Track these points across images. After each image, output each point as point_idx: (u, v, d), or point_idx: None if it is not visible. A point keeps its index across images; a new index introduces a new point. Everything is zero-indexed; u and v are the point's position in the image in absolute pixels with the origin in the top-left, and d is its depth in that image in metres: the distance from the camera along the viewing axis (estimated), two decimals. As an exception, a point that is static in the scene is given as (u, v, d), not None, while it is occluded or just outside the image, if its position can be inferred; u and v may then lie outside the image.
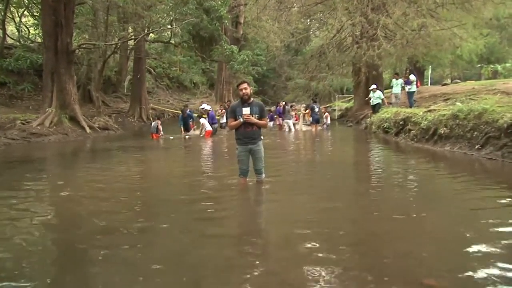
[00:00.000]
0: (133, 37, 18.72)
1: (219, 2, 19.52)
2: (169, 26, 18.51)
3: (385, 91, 17.33)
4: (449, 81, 27.71)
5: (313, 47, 23.86)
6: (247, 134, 4.73)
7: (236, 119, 4.73)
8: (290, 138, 13.24)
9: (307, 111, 16.22)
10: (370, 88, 14.92)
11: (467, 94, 13.00)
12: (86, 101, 19.01)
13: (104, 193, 4.89)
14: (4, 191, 4.84)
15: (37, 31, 20.51)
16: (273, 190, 4.89)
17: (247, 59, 20.32)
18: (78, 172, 6.61)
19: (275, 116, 18.10)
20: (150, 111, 22.03)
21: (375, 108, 14.28)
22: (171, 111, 24.37)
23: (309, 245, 2.91)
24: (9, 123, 12.00)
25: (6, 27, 19.22)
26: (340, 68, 19.44)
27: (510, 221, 3.46)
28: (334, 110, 23.61)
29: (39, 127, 12.17)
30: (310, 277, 2.36)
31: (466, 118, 7.63)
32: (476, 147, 7.08)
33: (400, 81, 14.79)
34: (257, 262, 2.66)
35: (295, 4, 19.95)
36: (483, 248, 2.76)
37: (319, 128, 15.16)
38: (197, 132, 13.60)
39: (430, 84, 24.93)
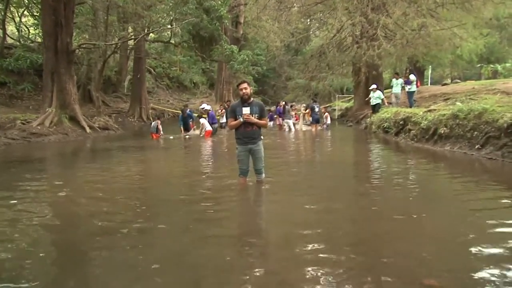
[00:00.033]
0: (133, 37, 18.71)
1: (219, 2, 19.52)
2: (169, 26, 18.51)
3: (385, 91, 17.33)
4: (449, 81, 27.72)
5: (313, 47, 23.86)
6: (247, 133, 4.73)
7: (236, 119, 4.73)
8: (290, 138, 13.24)
9: (307, 111, 16.23)
10: (370, 88, 14.91)
11: (467, 94, 13.00)
12: (86, 101, 19.01)
13: (104, 193, 4.89)
14: (4, 192, 4.83)
15: (37, 31, 20.51)
16: (273, 190, 4.89)
17: (247, 59, 20.32)
18: (78, 172, 6.61)
19: (275, 116, 18.11)
20: (150, 111, 22.03)
21: (375, 108, 14.28)
22: (171, 111, 24.37)
23: (309, 245, 2.91)
24: (9, 123, 12.00)
25: (6, 27, 19.21)
26: (340, 68, 19.43)
27: (510, 221, 3.46)
28: (334, 110, 23.61)
29: (39, 127, 12.17)
30: (310, 277, 2.36)
31: (466, 118, 7.63)
32: (476, 147, 7.08)
33: (400, 81, 14.79)
34: (257, 262, 2.66)
35: (295, 4, 19.95)
36: (483, 248, 2.76)
37: (319, 128, 15.16)
38: (197, 132, 13.60)
39: (430, 84, 24.93)
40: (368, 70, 16.59)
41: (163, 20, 17.82)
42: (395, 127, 10.92)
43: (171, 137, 12.59)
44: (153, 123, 13.48)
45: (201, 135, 13.00)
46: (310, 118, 15.22)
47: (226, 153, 9.36)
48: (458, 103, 9.09)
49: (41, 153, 9.52)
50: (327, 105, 23.52)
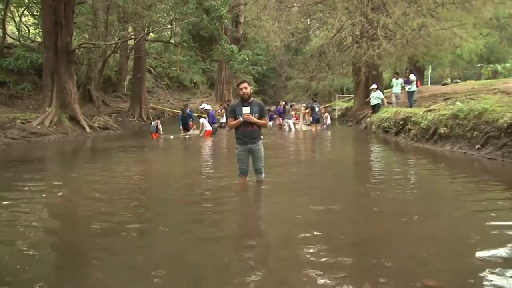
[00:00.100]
0: (133, 36, 18.71)
1: (219, 2, 19.52)
2: (169, 26, 18.51)
3: (385, 90, 17.33)
4: (449, 80, 27.72)
5: (313, 46, 23.86)
6: (247, 133, 4.72)
7: (236, 119, 4.72)
8: (290, 137, 13.24)
9: (307, 110, 16.23)
10: (371, 88, 14.91)
11: (467, 94, 13.01)
12: (86, 100, 19.01)
13: (104, 193, 4.88)
14: (3, 192, 4.82)
15: (37, 31, 20.51)
16: (273, 190, 4.89)
17: (247, 58, 20.32)
18: (78, 172, 6.61)
19: (275, 116, 18.12)
20: (150, 110, 22.03)
21: (375, 108, 14.27)
22: (171, 111, 24.36)
23: (309, 245, 2.91)
24: (9, 123, 12.00)
25: (6, 26, 19.21)
26: (340, 67, 19.43)
27: (510, 221, 3.46)
28: (334, 109, 23.61)
29: (39, 127, 12.16)
30: (310, 277, 2.36)
31: (466, 117, 7.63)
32: (476, 146, 7.07)
33: (400, 80, 14.79)
34: (257, 263, 2.66)
35: (295, 4, 19.95)
36: (483, 248, 2.76)
37: (319, 128, 15.16)
38: (197, 132, 13.60)
39: (430, 84, 24.95)
40: (368, 70, 16.59)
41: (163, 20, 17.82)
42: (395, 127, 10.92)
43: (171, 137, 12.58)
44: (153, 123, 13.47)
45: (201, 135, 13.00)
46: (310, 118, 15.22)
47: (226, 153, 9.36)
48: (458, 103, 9.09)
49: (41, 153, 9.52)
50: (327, 105, 23.53)
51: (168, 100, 27.77)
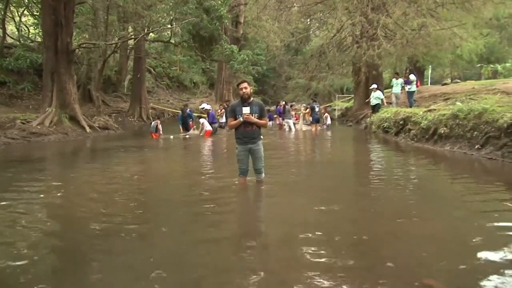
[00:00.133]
0: (133, 36, 18.72)
1: (219, 2, 19.52)
2: (169, 26, 18.51)
3: (385, 90, 17.33)
4: (449, 80, 27.73)
5: (313, 46, 23.87)
6: (247, 133, 4.72)
7: (236, 119, 4.72)
8: (290, 137, 13.24)
9: (307, 110, 16.23)
10: (371, 88, 14.91)
11: (467, 94, 13.01)
12: (86, 100, 19.01)
13: (104, 194, 4.88)
14: (3, 193, 4.80)
15: (37, 31, 20.51)
16: (273, 190, 4.89)
17: (247, 58, 20.32)
18: (78, 173, 6.60)
19: (275, 116, 18.13)
20: (150, 110, 22.04)
21: (375, 108, 14.26)
22: (171, 111, 24.38)
23: (309, 245, 2.91)
24: (9, 123, 12.00)
25: (6, 26, 19.21)
26: (340, 67, 19.44)
27: (510, 222, 3.46)
28: (334, 110, 23.62)
29: (39, 127, 12.17)
30: (310, 277, 2.35)
31: (466, 118, 7.62)
32: (476, 147, 7.07)
33: (400, 80, 14.79)
34: (257, 263, 2.66)
35: (295, 4, 19.95)
36: (483, 248, 2.76)
37: (319, 128, 15.16)
38: (197, 132, 13.61)
39: (430, 84, 24.96)
40: (368, 70, 16.59)
41: (163, 20, 17.83)
42: (395, 127, 10.92)
43: (171, 137, 12.58)
44: (153, 123, 13.48)
45: (201, 135, 13.01)
46: (310, 118, 15.23)
47: (226, 153, 9.36)
48: (458, 103, 9.09)
49: (41, 153, 9.52)
50: (327, 105, 23.54)
51: (168, 100, 27.78)
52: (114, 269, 2.60)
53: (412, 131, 9.65)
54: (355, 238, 3.18)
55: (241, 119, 4.63)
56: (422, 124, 9.09)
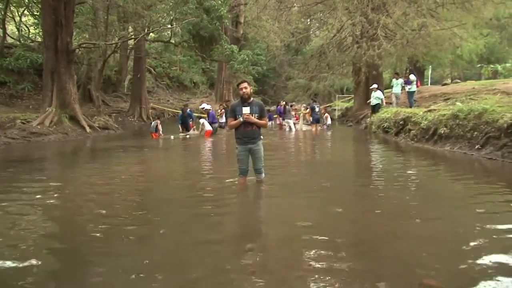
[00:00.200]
0: (133, 36, 18.72)
1: (219, 2, 19.53)
2: (169, 26, 18.51)
3: (385, 91, 17.33)
4: (449, 81, 27.73)
5: (313, 46, 23.87)
6: (247, 133, 4.72)
7: (236, 119, 4.72)
8: (291, 137, 13.24)
9: (307, 110, 16.24)
10: (371, 87, 14.91)
11: (467, 94, 13.00)
12: (86, 100, 19.02)
13: (103, 194, 4.88)
14: (2, 193, 4.79)
15: (37, 31, 20.52)
16: (272, 190, 4.89)
17: (247, 58, 20.33)
18: (77, 173, 6.60)
19: (275, 116, 18.13)
20: (150, 110, 22.04)
21: (375, 108, 14.26)
22: (171, 111, 24.38)
23: (309, 245, 2.91)
24: (9, 123, 12.00)
25: (6, 26, 19.22)
26: (340, 68, 19.44)
27: (510, 221, 3.46)
28: (334, 110, 23.62)
29: (39, 127, 12.17)
30: (310, 277, 2.35)
31: (466, 118, 7.62)
32: (476, 147, 7.07)
33: (400, 81, 14.78)
34: (257, 263, 2.66)
35: (295, 4, 19.95)
36: (483, 248, 2.76)
37: (319, 128, 15.17)
38: (197, 132, 13.61)
39: (430, 84, 24.94)
40: (368, 70, 16.59)
41: (163, 20, 17.83)
42: (395, 127, 10.92)
43: (172, 137, 12.59)
44: (153, 123, 13.48)
45: (201, 134, 13.02)
46: (311, 118, 15.23)
47: (226, 153, 9.36)
48: (458, 103, 9.08)
49: (41, 153, 9.52)
50: (327, 105, 23.54)
51: (168, 100, 27.78)
52: (114, 270, 2.60)
53: (412, 131, 9.65)
54: (355, 238, 3.18)
55: (241, 119, 4.63)
56: (422, 124, 9.09)
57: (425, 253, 2.75)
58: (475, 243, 2.88)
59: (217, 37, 20.16)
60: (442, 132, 8.21)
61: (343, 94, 28.07)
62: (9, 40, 21.18)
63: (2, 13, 17.80)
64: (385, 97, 15.11)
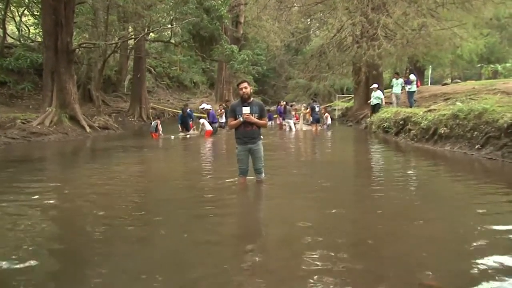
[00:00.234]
0: (133, 36, 18.71)
1: (219, 2, 19.52)
2: (169, 26, 18.51)
3: (385, 90, 17.33)
4: (449, 80, 27.72)
5: (313, 46, 23.86)
6: (246, 133, 4.72)
7: (236, 119, 4.72)
8: (291, 137, 13.24)
9: (307, 110, 16.25)
10: (371, 87, 14.90)
11: (467, 94, 13.00)
12: (86, 100, 19.02)
13: (103, 194, 4.88)
14: (2, 194, 4.77)
15: (37, 31, 20.53)
16: (272, 190, 4.89)
17: (247, 58, 20.32)
18: (77, 173, 6.60)
19: (274, 116, 18.13)
20: (150, 110, 22.04)
21: (375, 108, 14.25)
22: (171, 111, 24.39)
23: (309, 245, 2.91)
24: (9, 122, 12.00)
25: (6, 26, 19.22)
26: (340, 67, 19.43)
27: (511, 222, 3.46)
28: (335, 110, 23.61)
29: (39, 127, 12.17)
30: (310, 277, 2.35)
31: (466, 118, 7.62)
32: (476, 147, 7.07)
33: (400, 80, 14.77)
34: (257, 263, 2.65)
35: (295, 4, 19.95)
36: (483, 248, 2.76)
37: (319, 127, 15.17)
38: (197, 132, 13.61)
39: (430, 84, 24.95)
40: (368, 70, 16.59)
41: (163, 20, 17.83)
42: (395, 127, 10.92)
43: (172, 137, 12.59)
44: (153, 123, 13.48)
45: (201, 134, 13.02)
46: (311, 118, 15.23)
47: (226, 153, 9.36)
48: (458, 103, 9.08)
49: (41, 153, 9.52)
50: (327, 105, 23.54)
51: (168, 100, 27.78)
52: (114, 270, 2.60)
53: (412, 131, 9.64)
54: (355, 238, 3.18)
55: (241, 119, 4.63)
56: (422, 124, 9.09)
57: (425, 253, 2.74)
58: (476, 243, 2.88)
59: (217, 37, 20.15)
60: (442, 132, 8.21)
61: (343, 94, 28.06)
62: (9, 40, 21.18)
63: (2, 13, 17.80)
64: (385, 97, 15.11)
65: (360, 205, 4.26)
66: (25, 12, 20.66)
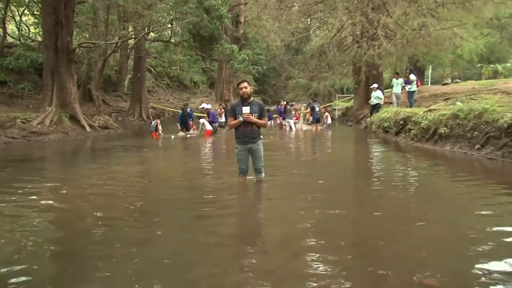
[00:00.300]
0: (133, 36, 18.72)
1: (220, 1, 19.52)
2: (169, 25, 18.51)
3: (385, 90, 17.33)
4: (449, 80, 27.71)
5: (314, 46, 23.84)
6: (246, 133, 4.72)
7: (235, 118, 4.72)
8: (291, 137, 13.24)
9: (308, 110, 16.25)
10: (372, 87, 14.90)
11: (468, 94, 12.99)
12: (86, 100, 19.02)
13: (103, 194, 4.88)
14: (2, 194, 4.77)
15: (37, 30, 20.53)
16: (272, 190, 4.89)
17: (247, 58, 20.31)
18: (77, 173, 6.59)
19: (274, 116, 18.14)
20: (150, 110, 22.04)
21: (375, 108, 14.24)
22: (171, 110, 24.38)
23: (309, 245, 2.91)
24: (9, 122, 11.99)
25: (6, 25, 19.22)
26: (340, 67, 19.43)
27: (511, 221, 3.46)
28: (335, 109, 23.61)
29: (39, 126, 12.16)
30: (310, 277, 2.35)
31: (466, 117, 7.62)
32: (476, 146, 7.07)
33: (401, 80, 14.77)
34: (256, 263, 2.66)
35: (295, 3, 19.95)
36: (483, 248, 2.76)
37: (319, 127, 15.17)
38: (197, 131, 13.61)
39: (431, 84, 24.96)
40: (369, 69, 16.59)
41: (163, 19, 17.82)
42: (395, 127, 10.92)
43: (172, 137, 12.59)
44: (153, 122, 13.48)
45: (201, 134, 13.01)
46: (311, 118, 15.23)
47: (226, 153, 9.35)
48: (458, 103, 9.08)
49: (41, 152, 9.52)
50: (327, 104, 23.54)
51: (168, 100, 27.78)
52: (114, 271, 2.60)
53: (412, 131, 9.64)
54: (355, 238, 3.18)
55: (241, 118, 4.63)
56: (422, 124, 9.09)
57: (426, 253, 2.74)
58: (476, 243, 2.88)
59: (217, 37, 20.15)
60: (442, 131, 8.21)
61: (343, 94, 28.05)
62: (9, 39, 21.18)
63: (3, 12, 17.80)
64: (385, 96, 15.10)
65: (360, 205, 4.26)
66: (25, 11, 20.66)
